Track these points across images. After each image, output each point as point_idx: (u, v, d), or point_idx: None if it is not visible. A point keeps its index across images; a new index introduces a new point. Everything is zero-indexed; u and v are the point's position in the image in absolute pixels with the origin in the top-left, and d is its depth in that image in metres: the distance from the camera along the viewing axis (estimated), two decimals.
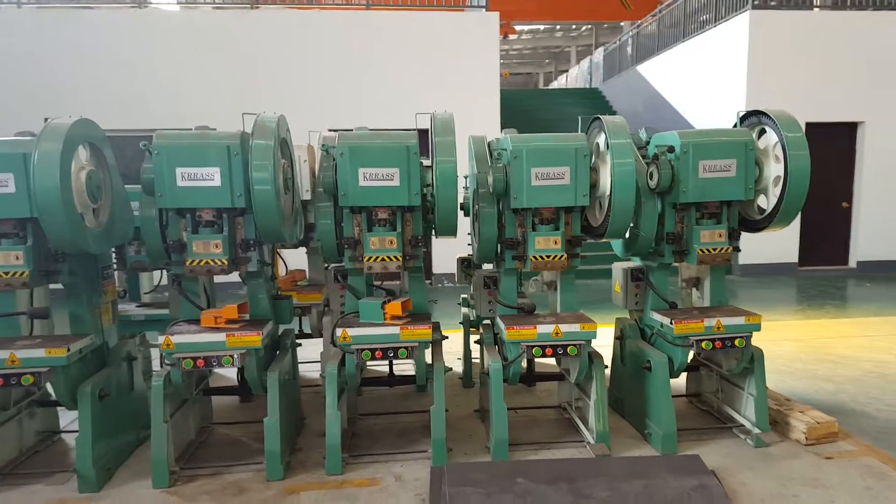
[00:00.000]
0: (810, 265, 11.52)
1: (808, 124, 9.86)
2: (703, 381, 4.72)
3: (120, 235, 3.92)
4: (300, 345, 4.46)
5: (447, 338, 4.39)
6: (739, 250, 4.09)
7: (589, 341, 3.82)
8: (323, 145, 3.69)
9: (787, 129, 3.76)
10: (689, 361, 4.09)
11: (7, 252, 3.40)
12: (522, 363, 4.00)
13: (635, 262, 4.47)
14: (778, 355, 6.06)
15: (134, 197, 3.93)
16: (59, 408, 4.23)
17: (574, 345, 3.76)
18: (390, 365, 4.63)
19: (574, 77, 25.19)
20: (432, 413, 3.80)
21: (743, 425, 4.16)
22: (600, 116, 3.86)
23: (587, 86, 21.45)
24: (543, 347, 3.76)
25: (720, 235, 3.97)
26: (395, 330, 3.71)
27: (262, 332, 3.65)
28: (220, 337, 3.57)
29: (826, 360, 6.02)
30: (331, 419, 3.71)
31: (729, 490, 3.41)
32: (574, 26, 28.58)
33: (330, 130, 4.53)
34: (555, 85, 30.77)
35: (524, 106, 16.98)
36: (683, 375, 4.58)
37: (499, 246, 4.08)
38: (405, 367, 5.25)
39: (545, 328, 3.76)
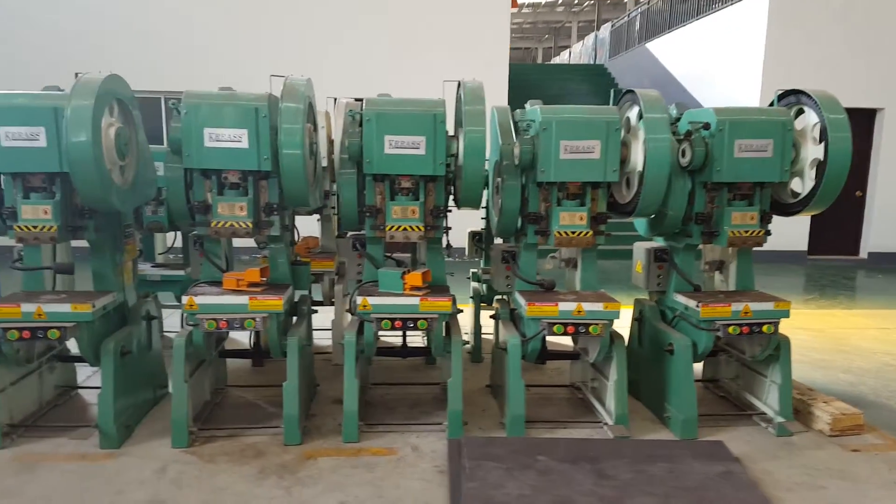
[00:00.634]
0: (820, 254, 11.27)
1: None
2: (720, 367, 4.64)
3: (144, 194, 3.93)
4: (316, 311, 4.45)
5: (462, 311, 4.36)
6: (770, 234, 3.98)
7: (611, 321, 3.76)
8: (350, 111, 3.65)
9: (828, 111, 3.63)
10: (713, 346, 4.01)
11: (36, 206, 3.43)
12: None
13: (658, 243, 4.38)
14: (793, 344, 5.92)
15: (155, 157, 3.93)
16: (77, 364, 4.29)
17: (596, 324, 3.70)
18: (403, 336, 4.62)
19: (578, 53, 24.61)
20: (449, 385, 3.78)
21: (764, 413, 4.09)
22: (634, 90, 3.76)
23: (591, 62, 21.00)
24: (565, 325, 3.71)
25: (752, 218, 3.86)
26: (415, 301, 3.68)
27: (284, 297, 3.65)
28: (243, 300, 3.57)
29: (842, 351, 5.90)
30: (349, 387, 3.71)
31: (753, 478, 3.35)
32: (577, 1, 28.02)
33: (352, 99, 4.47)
34: (557, 60, 30.23)
35: (529, 80, 16.54)
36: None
37: (519, 220, 4.02)
38: (413, 339, 5.22)
39: (567, 305, 3.71)
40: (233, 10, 10.38)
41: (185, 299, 3.58)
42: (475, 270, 5.47)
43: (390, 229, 3.72)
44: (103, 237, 3.78)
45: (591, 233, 3.80)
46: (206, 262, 3.88)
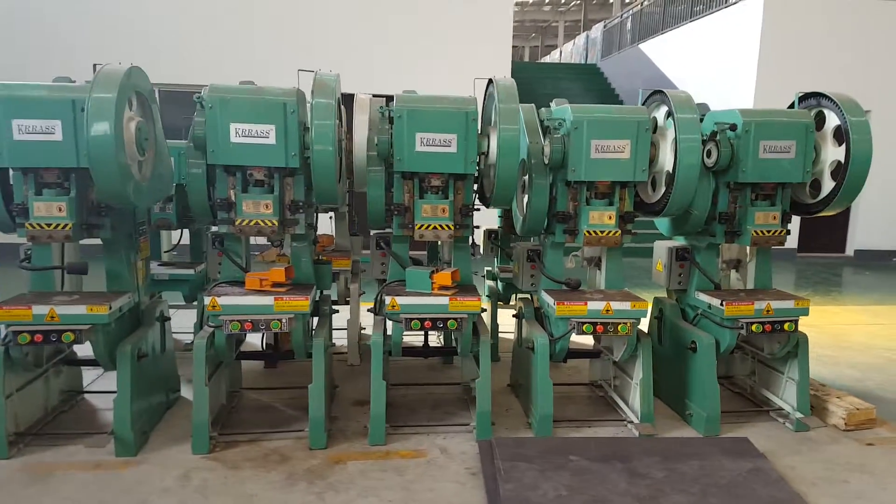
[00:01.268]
0: (808, 252, 11.66)
1: None
2: (735, 364, 4.71)
3: (161, 191, 3.77)
4: (337, 311, 4.35)
5: (485, 310, 4.32)
6: (790, 233, 4.06)
7: (639, 320, 3.77)
8: (380, 108, 3.56)
9: (850, 113, 3.71)
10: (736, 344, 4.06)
11: (50, 203, 3.25)
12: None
13: (679, 241, 4.42)
14: None
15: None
16: (83, 367, 4.10)
17: (625, 323, 3.71)
18: (425, 335, 4.55)
19: (569, 52, 24.74)
20: (478, 386, 3.74)
21: (781, 409, 4.17)
22: (663, 90, 3.77)
23: (583, 62, 21.16)
24: (594, 324, 3.71)
25: (774, 217, 3.92)
26: (445, 300, 3.62)
27: (309, 297, 3.55)
28: (268, 300, 3.46)
29: (844, 348, 6.06)
30: (376, 389, 3.64)
31: (781, 474, 3.41)
32: (563, 0, 28.23)
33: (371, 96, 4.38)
34: (547, 59, 30.43)
35: (521, 78, 16.65)
36: None
37: (545, 219, 4.00)
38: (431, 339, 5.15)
39: (596, 305, 3.70)
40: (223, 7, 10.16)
41: (206, 300, 3.45)
42: (489, 269, 5.43)
43: (419, 228, 3.65)
44: (118, 235, 3.62)
45: (619, 232, 3.81)
46: (225, 261, 3.74)
